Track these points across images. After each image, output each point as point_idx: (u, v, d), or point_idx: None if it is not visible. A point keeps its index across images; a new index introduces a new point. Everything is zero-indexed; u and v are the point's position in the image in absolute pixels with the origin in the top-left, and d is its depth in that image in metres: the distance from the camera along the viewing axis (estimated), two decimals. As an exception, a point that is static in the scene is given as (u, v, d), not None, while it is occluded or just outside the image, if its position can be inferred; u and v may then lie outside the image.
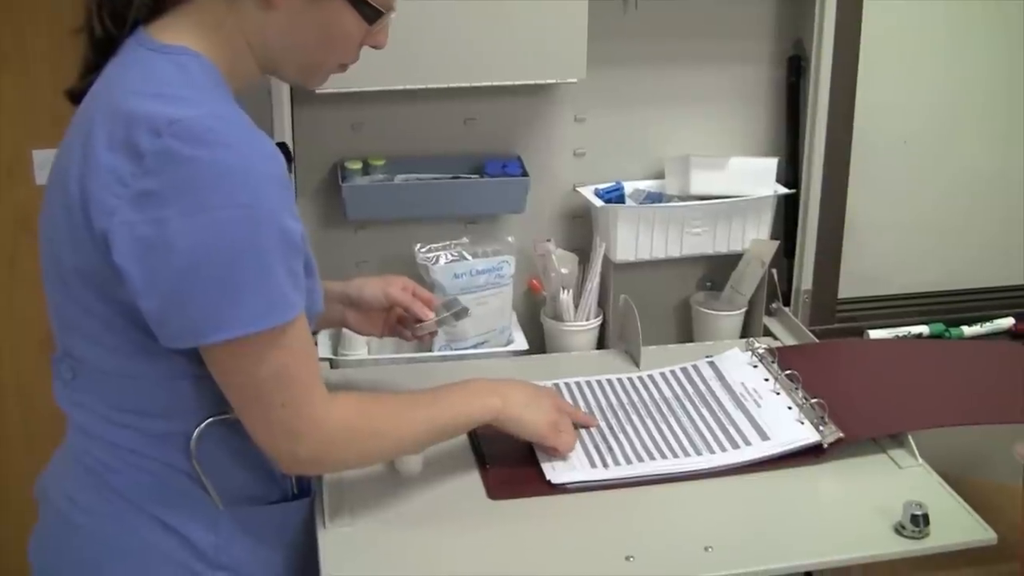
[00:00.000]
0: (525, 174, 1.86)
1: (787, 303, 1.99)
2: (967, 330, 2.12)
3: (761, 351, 1.72)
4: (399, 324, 1.60)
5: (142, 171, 1.07)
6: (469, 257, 1.79)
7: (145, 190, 1.07)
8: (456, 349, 1.81)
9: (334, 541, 1.32)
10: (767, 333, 1.93)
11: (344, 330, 1.72)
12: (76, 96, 1.21)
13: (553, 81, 1.81)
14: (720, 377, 1.68)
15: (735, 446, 1.51)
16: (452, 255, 1.79)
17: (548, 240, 1.86)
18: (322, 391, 1.19)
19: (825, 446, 1.49)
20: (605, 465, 1.47)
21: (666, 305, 1.99)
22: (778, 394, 1.61)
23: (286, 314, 1.12)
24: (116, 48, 1.19)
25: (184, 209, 1.06)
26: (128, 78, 1.14)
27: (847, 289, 2.13)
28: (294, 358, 1.15)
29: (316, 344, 1.78)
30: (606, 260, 1.87)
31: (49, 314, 1.23)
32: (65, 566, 1.25)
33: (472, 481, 1.45)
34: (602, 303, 1.89)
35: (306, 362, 1.17)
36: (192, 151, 1.06)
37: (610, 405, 1.63)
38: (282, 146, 1.36)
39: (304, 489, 1.36)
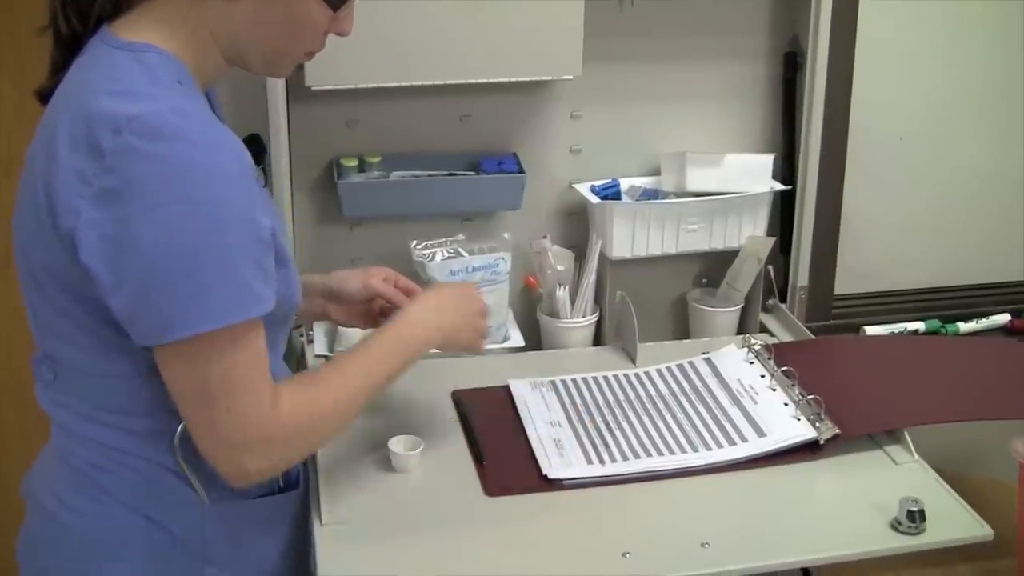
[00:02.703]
0: (521, 171, 1.86)
1: (783, 300, 1.99)
2: (963, 326, 2.12)
3: (757, 348, 1.72)
4: (381, 316, 1.58)
5: (103, 169, 1.06)
6: (465, 254, 1.79)
7: (107, 188, 1.06)
8: (452, 346, 1.80)
9: (329, 539, 1.32)
10: (763, 330, 1.93)
11: (339, 327, 1.72)
12: (45, 96, 1.20)
13: (549, 78, 1.80)
14: (716, 374, 1.69)
15: (731, 443, 1.51)
16: (448, 252, 1.79)
17: (544, 237, 1.86)
18: (271, 393, 1.16)
19: (821, 442, 1.50)
20: (602, 462, 1.47)
21: (662, 302, 1.99)
22: (774, 391, 1.61)
23: (255, 309, 1.12)
24: (82, 47, 1.18)
25: (146, 206, 1.05)
26: (91, 77, 1.13)
27: (843, 285, 2.13)
28: (252, 356, 1.13)
29: (312, 341, 1.78)
30: (602, 257, 1.87)
31: (27, 316, 1.23)
32: (53, 565, 1.24)
33: (468, 478, 1.45)
34: (598, 300, 1.89)
35: (262, 362, 1.15)
36: (152, 147, 1.06)
37: (607, 402, 1.63)
38: (255, 138, 1.35)
39: (291, 482, 1.35)
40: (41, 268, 1.15)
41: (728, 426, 1.55)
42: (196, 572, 1.24)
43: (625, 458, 1.48)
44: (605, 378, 1.70)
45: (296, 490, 1.34)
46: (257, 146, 1.34)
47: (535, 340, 1.90)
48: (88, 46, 1.17)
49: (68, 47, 1.19)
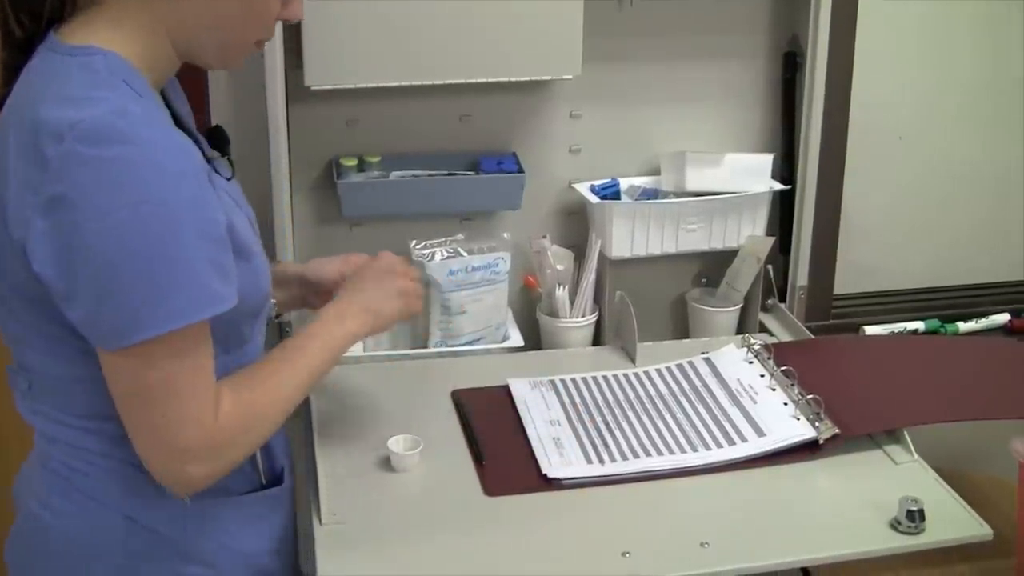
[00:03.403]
0: (521, 171, 1.86)
1: (783, 299, 1.99)
2: (962, 326, 2.12)
3: (757, 347, 1.72)
4: None
5: (49, 178, 1.05)
6: (465, 254, 1.79)
7: (54, 196, 1.05)
8: (452, 345, 1.81)
9: (329, 539, 1.32)
10: (763, 329, 1.93)
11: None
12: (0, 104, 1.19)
13: (549, 77, 1.80)
14: (716, 373, 1.69)
15: (731, 442, 1.51)
16: (448, 252, 1.79)
17: (544, 237, 1.86)
18: (214, 397, 1.15)
19: (821, 442, 1.50)
20: (601, 461, 1.47)
21: (662, 301, 1.99)
22: (774, 390, 1.61)
23: (212, 308, 1.11)
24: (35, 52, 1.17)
25: (93, 211, 1.04)
26: (35, 85, 1.12)
27: (843, 285, 2.13)
28: (200, 359, 1.12)
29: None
30: (602, 256, 1.87)
31: None
32: (38, 567, 1.25)
33: (468, 478, 1.45)
34: (598, 299, 1.89)
35: (209, 365, 1.14)
36: (94, 151, 1.05)
37: (606, 402, 1.63)
38: (217, 130, 1.34)
39: (274, 479, 1.34)
40: (0, 279, 1.15)
41: (728, 426, 1.55)
42: (179, 571, 1.24)
43: (625, 458, 1.48)
44: (605, 378, 1.70)
45: (280, 485, 1.34)
46: (219, 137, 1.33)
47: (535, 340, 1.90)
48: (36, 53, 1.16)
49: (23, 51, 1.17)
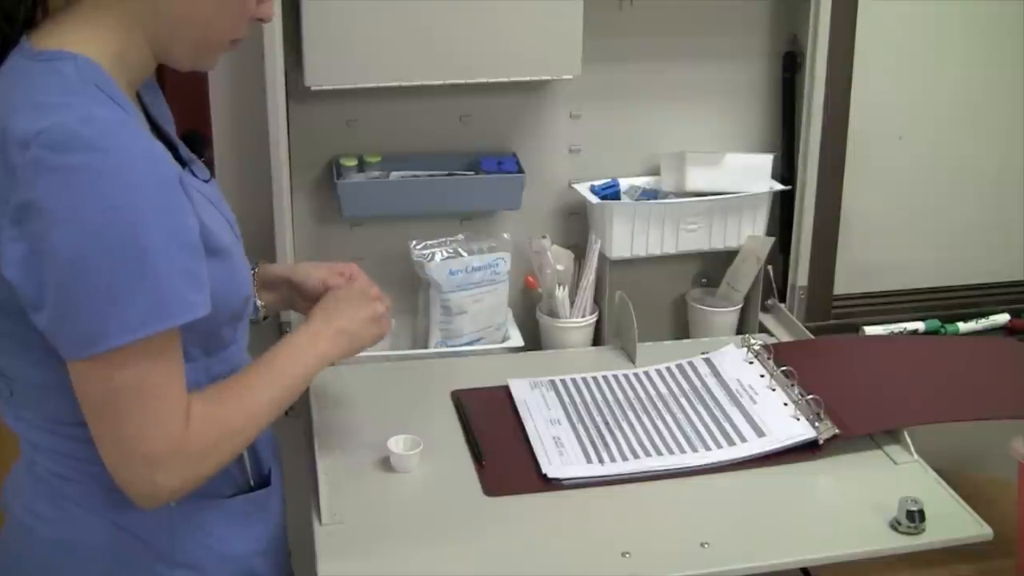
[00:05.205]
0: (521, 171, 1.86)
1: (783, 299, 1.99)
2: (963, 326, 2.12)
3: (757, 347, 1.72)
4: None
5: (16, 185, 1.05)
6: (465, 254, 1.79)
7: (21, 204, 1.05)
8: (452, 345, 1.81)
9: (329, 539, 1.32)
10: (763, 329, 1.93)
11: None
12: None
13: (548, 78, 1.80)
14: (716, 374, 1.69)
15: (731, 443, 1.51)
16: (448, 252, 1.79)
17: (544, 237, 1.86)
18: (185, 407, 1.14)
19: (821, 442, 1.50)
20: (601, 461, 1.48)
21: (662, 302, 1.99)
22: (774, 390, 1.61)
23: (181, 315, 1.10)
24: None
25: (59, 219, 1.04)
26: (5, 92, 1.11)
27: (843, 285, 2.13)
28: (168, 367, 1.11)
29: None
30: (602, 257, 1.87)
31: None
32: (24, 573, 1.25)
33: (468, 478, 1.45)
34: (598, 300, 1.89)
35: (179, 374, 1.14)
36: (60, 160, 1.04)
37: (606, 402, 1.63)
38: (194, 133, 1.33)
39: (261, 481, 1.33)
40: None
41: (727, 426, 1.55)
42: (167, 575, 1.24)
43: (625, 458, 1.48)
44: (604, 378, 1.70)
45: (267, 487, 1.33)
46: (196, 140, 1.31)
47: (535, 340, 1.90)
48: (9, 57, 1.15)
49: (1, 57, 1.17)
